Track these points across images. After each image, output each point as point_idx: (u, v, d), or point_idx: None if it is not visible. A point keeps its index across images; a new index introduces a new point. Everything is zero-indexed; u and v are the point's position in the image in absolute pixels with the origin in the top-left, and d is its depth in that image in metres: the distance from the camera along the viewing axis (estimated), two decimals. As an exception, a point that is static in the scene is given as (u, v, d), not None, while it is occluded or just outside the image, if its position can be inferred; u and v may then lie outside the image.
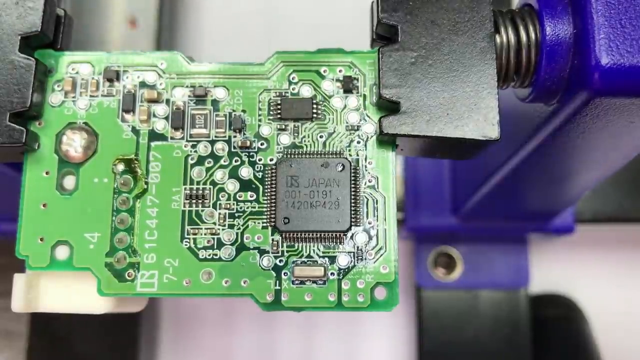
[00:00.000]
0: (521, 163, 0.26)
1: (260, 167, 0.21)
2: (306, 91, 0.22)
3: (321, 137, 0.22)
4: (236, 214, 0.21)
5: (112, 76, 0.22)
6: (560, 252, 0.43)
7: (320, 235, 0.21)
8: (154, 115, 0.22)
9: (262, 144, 0.22)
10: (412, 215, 0.37)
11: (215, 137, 0.22)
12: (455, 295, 0.39)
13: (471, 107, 0.20)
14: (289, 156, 0.21)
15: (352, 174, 0.21)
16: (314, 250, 0.21)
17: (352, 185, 0.21)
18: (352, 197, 0.21)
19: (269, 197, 0.21)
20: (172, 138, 0.22)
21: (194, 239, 0.21)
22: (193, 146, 0.22)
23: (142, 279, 0.21)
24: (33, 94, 0.21)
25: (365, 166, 0.21)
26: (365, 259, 0.21)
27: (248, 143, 0.21)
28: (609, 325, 0.42)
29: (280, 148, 0.21)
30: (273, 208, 0.21)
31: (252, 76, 0.22)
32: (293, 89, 0.22)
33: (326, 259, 0.21)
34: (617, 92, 0.20)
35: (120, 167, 0.21)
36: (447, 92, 0.20)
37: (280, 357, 0.42)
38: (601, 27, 0.20)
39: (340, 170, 0.21)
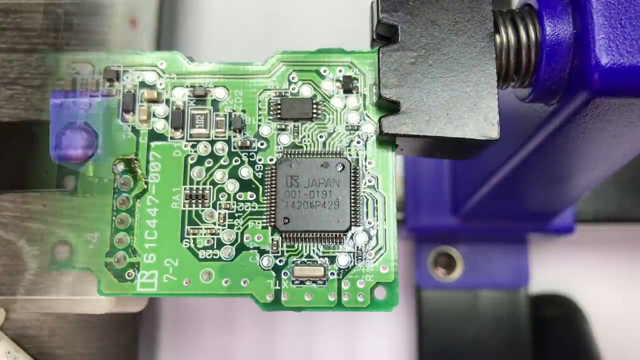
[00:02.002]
0: (521, 163, 0.26)
1: (260, 167, 0.21)
2: (306, 91, 0.22)
3: (321, 137, 0.22)
4: (236, 214, 0.21)
5: (112, 76, 0.22)
6: (560, 252, 0.43)
7: (320, 235, 0.21)
8: (154, 115, 0.22)
9: (262, 144, 0.22)
10: (412, 215, 0.37)
11: (215, 137, 0.22)
12: (455, 295, 0.39)
13: (471, 107, 0.20)
14: (288, 156, 0.21)
15: (352, 174, 0.21)
16: (313, 250, 0.21)
17: (352, 185, 0.21)
18: (352, 197, 0.21)
19: (268, 197, 0.21)
20: (172, 138, 0.22)
21: (194, 239, 0.21)
22: (193, 146, 0.22)
23: (142, 279, 0.21)
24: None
25: (365, 166, 0.21)
26: (365, 259, 0.21)
27: (248, 143, 0.21)
28: (609, 325, 0.42)
29: (280, 148, 0.21)
30: (273, 208, 0.21)
31: (252, 76, 0.22)
32: (293, 89, 0.22)
33: (326, 259, 0.21)
34: (617, 92, 0.20)
35: (120, 167, 0.21)
36: (447, 92, 0.20)
37: (280, 357, 0.42)
38: (601, 27, 0.20)
39: (340, 170, 0.21)
